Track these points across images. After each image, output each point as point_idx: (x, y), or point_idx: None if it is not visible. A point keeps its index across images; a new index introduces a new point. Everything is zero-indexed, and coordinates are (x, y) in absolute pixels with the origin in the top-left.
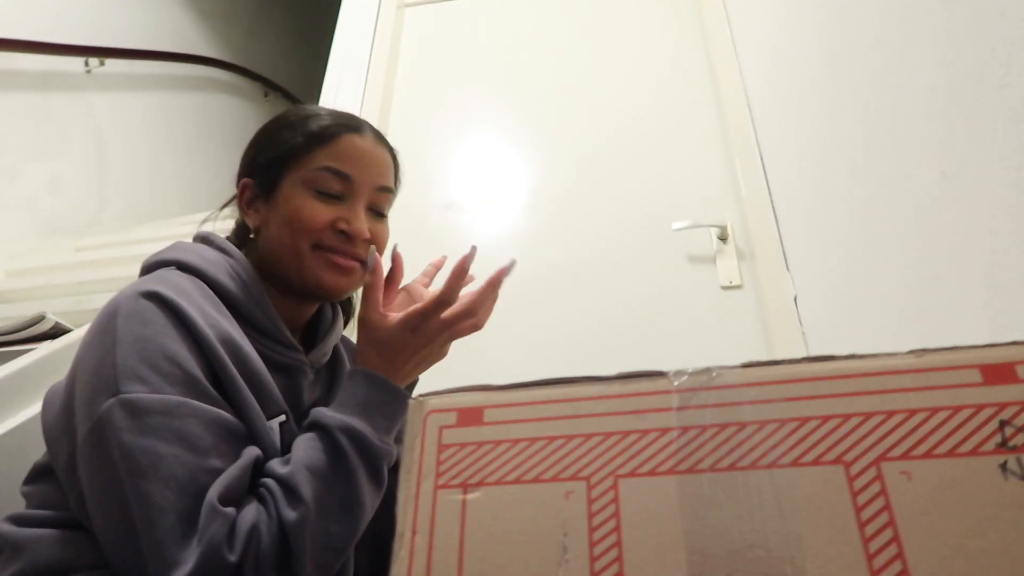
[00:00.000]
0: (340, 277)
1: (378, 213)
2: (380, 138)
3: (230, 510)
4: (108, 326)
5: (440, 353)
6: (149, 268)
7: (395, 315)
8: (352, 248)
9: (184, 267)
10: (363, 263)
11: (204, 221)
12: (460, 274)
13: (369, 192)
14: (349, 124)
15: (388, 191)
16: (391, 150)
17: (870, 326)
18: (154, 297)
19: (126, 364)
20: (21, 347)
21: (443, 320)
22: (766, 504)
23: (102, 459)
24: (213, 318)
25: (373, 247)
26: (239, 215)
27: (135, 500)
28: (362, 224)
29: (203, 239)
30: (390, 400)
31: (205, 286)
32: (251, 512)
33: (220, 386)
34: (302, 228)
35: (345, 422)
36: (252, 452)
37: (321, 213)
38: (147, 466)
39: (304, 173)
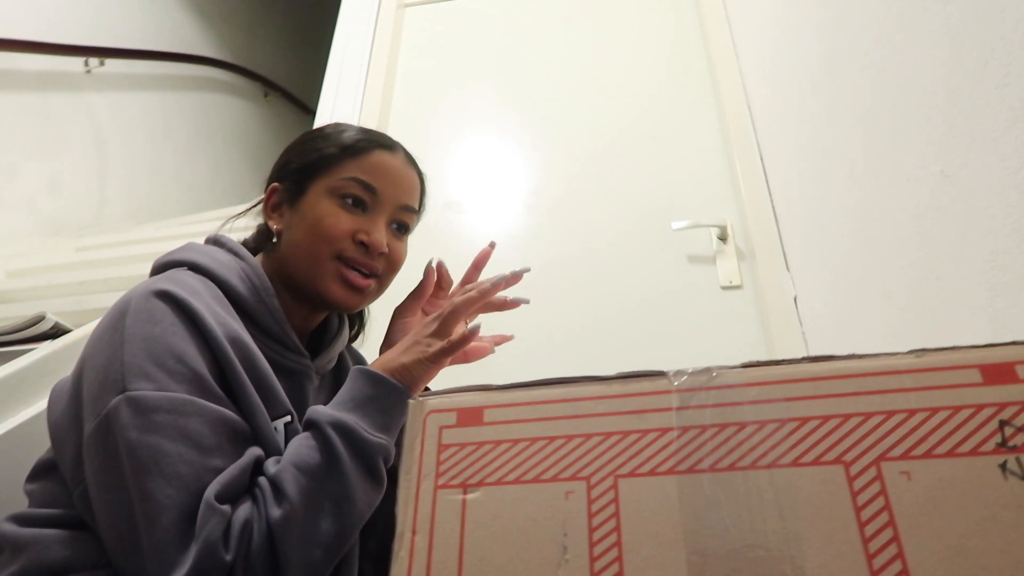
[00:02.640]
0: (349, 294)
1: (399, 230)
2: (411, 160)
3: (226, 508)
4: (118, 324)
5: (423, 328)
6: (160, 268)
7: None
8: (369, 261)
9: (195, 268)
10: (377, 279)
11: (225, 223)
12: (430, 277)
13: (392, 209)
14: (383, 142)
15: (411, 211)
16: (420, 173)
17: (870, 326)
18: (165, 296)
19: (134, 362)
20: (21, 347)
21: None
22: (766, 504)
23: (107, 456)
24: (222, 318)
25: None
26: (263, 219)
27: (138, 497)
28: (381, 236)
29: (215, 241)
30: (385, 395)
31: (215, 287)
32: (244, 510)
33: (227, 385)
34: (323, 235)
35: (335, 417)
36: (253, 452)
37: (344, 222)
38: (151, 464)
39: (332, 182)
